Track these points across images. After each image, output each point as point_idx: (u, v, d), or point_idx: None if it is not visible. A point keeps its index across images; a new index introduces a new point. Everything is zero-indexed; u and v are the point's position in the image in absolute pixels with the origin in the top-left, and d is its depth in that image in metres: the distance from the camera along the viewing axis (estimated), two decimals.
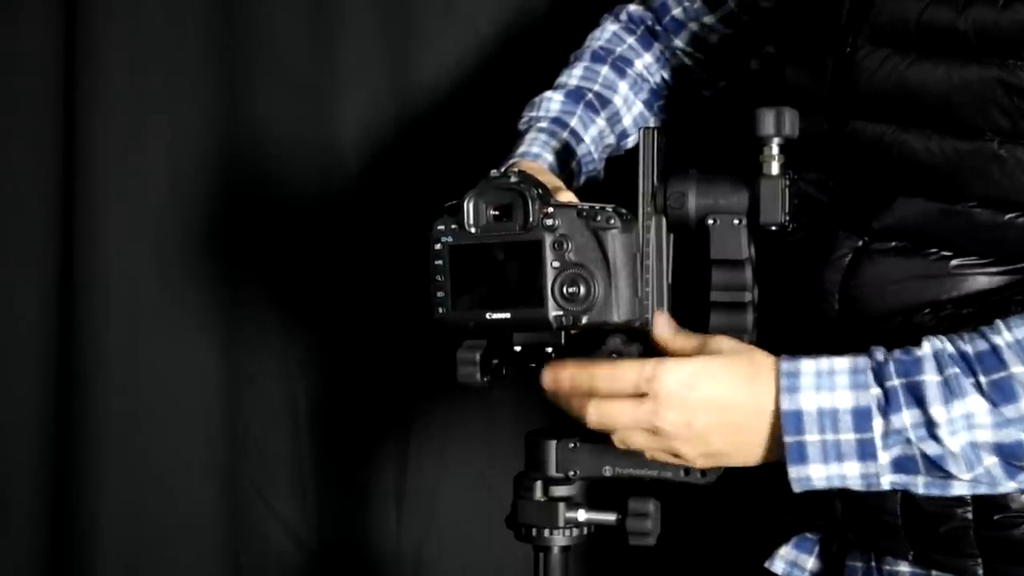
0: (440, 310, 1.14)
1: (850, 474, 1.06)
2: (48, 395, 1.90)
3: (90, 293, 1.86)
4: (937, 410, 1.03)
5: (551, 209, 1.11)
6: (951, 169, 1.13)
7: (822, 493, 1.23)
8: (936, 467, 1.05)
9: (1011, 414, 1.03)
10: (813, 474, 1.07)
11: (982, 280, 1.14)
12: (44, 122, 1.86)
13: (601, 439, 1.17)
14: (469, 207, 1.12)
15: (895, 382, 1.05)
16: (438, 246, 1.14)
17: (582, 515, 1.19)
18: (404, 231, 1.76)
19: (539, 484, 1.19)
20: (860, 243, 1.19)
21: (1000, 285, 1.14)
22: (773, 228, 1.14)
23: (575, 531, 1.19)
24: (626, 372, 1.10)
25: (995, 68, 1.09)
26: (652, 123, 1.47)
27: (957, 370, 1.04)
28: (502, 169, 1.31)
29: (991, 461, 1.05)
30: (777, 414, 1.06)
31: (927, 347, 1.05)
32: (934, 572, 1.20)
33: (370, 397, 1.87)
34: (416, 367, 1.83)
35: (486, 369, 1.18)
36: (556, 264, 1.11)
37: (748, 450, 1.09)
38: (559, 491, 1.19)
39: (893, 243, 1.17)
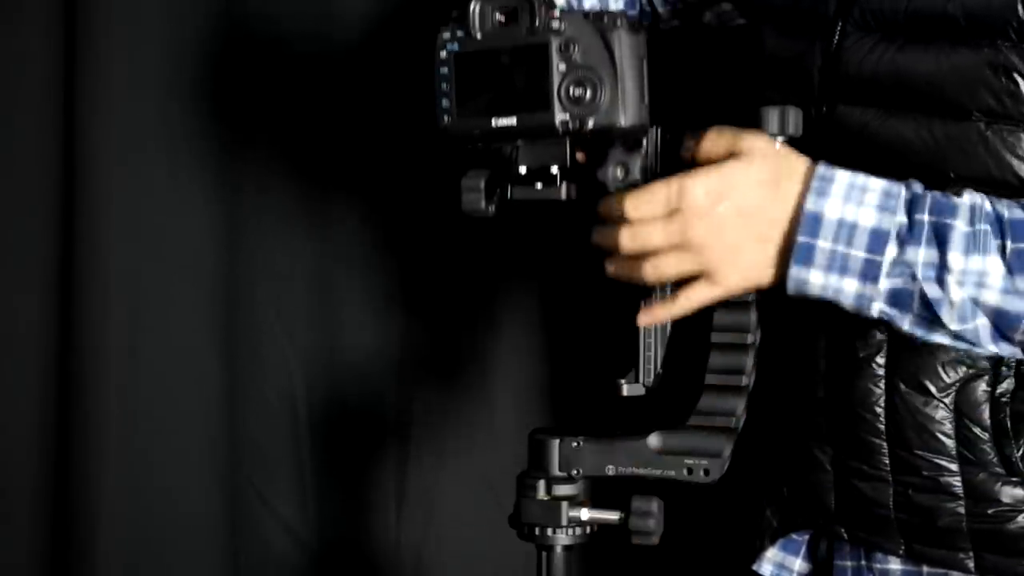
0: (445, 119, 1.13)
1: (847, 289, 1.07)
2: (48, 395, 1.89)
3: (90, 293, 1.86)
4: (955, 256, 1.05)
5: (558, 12, 1.10)
6: (939, 152, 1.13)
7: (816, 486, 1.24)
8: (929, 309, 1.06)
9: (1023, 286, 1.04)
10: (812, 279, 1.08)
11: None
12: (44, 122, 1.86)
13: (605, 437, 1.18)
14: (475, 11, 1.11)
15: (924, 217, 1.06)
16: (443, 54, 1.12)
17: (585, 514, 1.19)
18: (404, 230, 1.77)
19: (542, 483, 1.19)
20: None
21: None
22: None
23: (578, 530, 1.20)
24: (655, 191, 1.10)
25: (984, 50, 1.10)
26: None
27: (987, 227, 1.05)
28: None
29: (983, 322, 1.06)
30: (797, 217, 1.07)
31: (967, 198, 1.07)
32: (925, 568, 1.21)
33: (370, 397, 1.87)
34: (417, 367, 1.83)
35: (491, 196, 1.17)
36: (562, 67, 1.09)
37: (777, 259, 1.09)
38: (562, 490, 1.20)
39: None
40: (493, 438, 1.83)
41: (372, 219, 1.83)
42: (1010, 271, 1.04)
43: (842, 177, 1.08)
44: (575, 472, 1.18)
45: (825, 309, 1.14)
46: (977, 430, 1.16)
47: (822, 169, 1.08)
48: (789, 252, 1.08)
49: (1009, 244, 1.05)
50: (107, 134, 1.84)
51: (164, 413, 1.88)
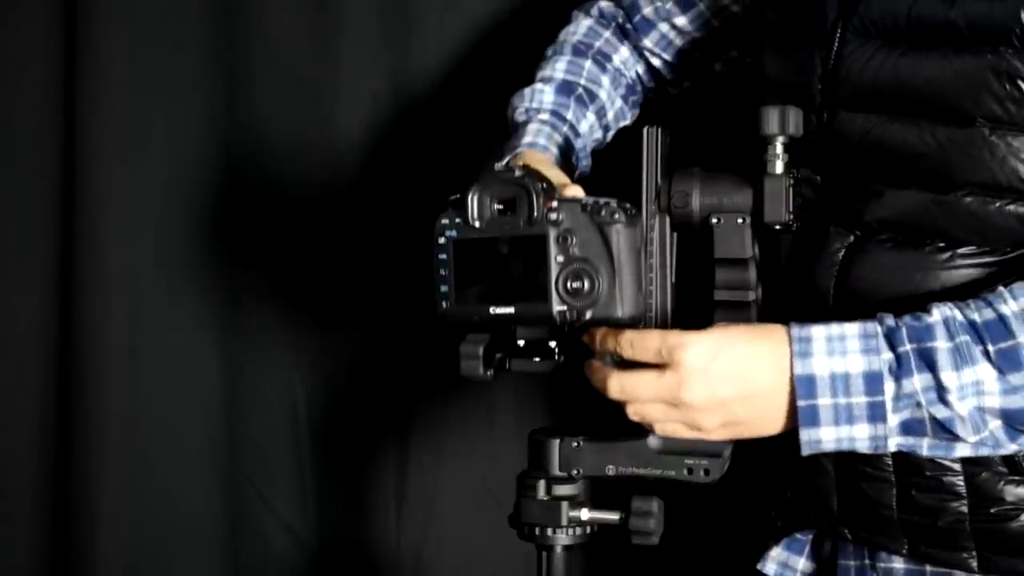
0: (444, 304, 1.14)
1: (859, 436, 1.07)
2: (48, 395, 1.89)
3: (90, 293, 1.86)
4: (948, 376, 1.05)
5: (555, 203, 1.11)
6: (943, 157, 1.14)
7: (819, 488, 1.24)
8: (944, 430, 1.06)
9: (1017, 381, 1.05)
10: (824, 436, 1.08)
11: (975, 270, 1.15)
12: (44, 122, 1.86)
13: (605, 437, 1.18)
14: (473, 201, 1.12)
15: (907, 347, 1.06)
16: (442, 240, 1.13)
17: (585, 514, 1.19)
18: (404, 229, 1.76)
19: (542, 483, 1.19)
20: (852, 238, 1.19)
21: (992, 273, 1.15)
22: (777, 227, 1.15)
23: (578, 530, 1.20)
24: (651, 338, 1.10)
25: (987, 56, 1.11)
26: (629, 117, 1.48)
27: (967, 338, 1.06)
28: (505, 161, 1.31)
29: (995, 424, 1.07)
30: (792, 379, 1.07)
31: (937, 314, 1.07)
32: (928, 567, 1.22)
33: (370, 397, 1.87)
34: (416, 367, 1.83)
35: (489, 363, 1.18)
36: (560, 259, 1.10)
37: (768, 417, 1.10)
38: (562, 490, 1.19)
39: (886, 236, 1.18)
40: (493, 438, 1.83)
41: (373, 218, 1.83)
42: (1001, 372, 1.05)
43: (818, 333, 1.08)
44: (575, 472, 1.18)
45: (825, 314, 1.14)
46: None
47: (796, 330, 1.09)
48: (793, 415, 1.08)
49: (991, 347, 1.05)
50: (107, 134, 1.84)
51: (164, 413, 1.89)
